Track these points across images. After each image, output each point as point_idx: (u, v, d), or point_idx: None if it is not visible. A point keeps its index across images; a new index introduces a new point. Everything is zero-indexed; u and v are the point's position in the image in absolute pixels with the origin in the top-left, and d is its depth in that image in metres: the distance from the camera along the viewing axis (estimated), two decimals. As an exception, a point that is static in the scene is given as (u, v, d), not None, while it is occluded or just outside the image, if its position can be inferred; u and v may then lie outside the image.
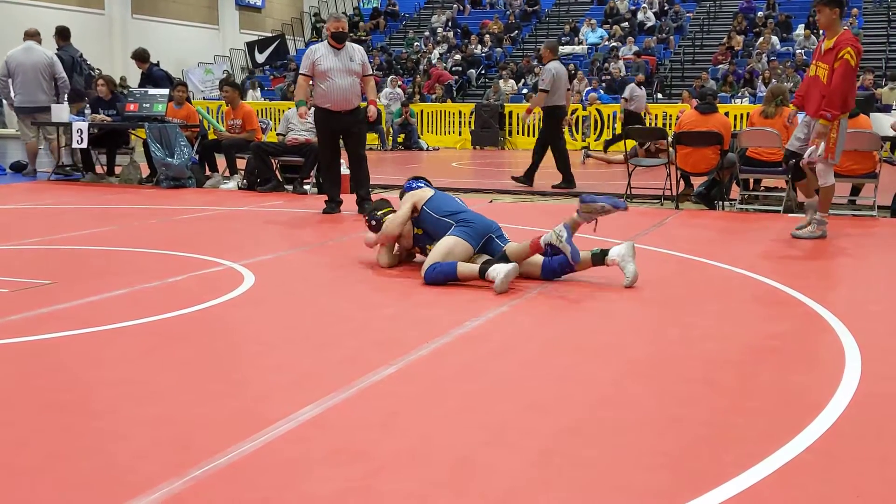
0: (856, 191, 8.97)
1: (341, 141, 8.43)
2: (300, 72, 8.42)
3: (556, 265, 5.21)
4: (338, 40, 8.18)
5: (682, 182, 9.63)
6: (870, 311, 4.62)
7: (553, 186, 10.68)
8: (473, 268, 5.07)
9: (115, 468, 2.54)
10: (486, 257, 5.25)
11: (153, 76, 12.40)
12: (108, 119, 11.16)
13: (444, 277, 5.10)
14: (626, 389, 3.33)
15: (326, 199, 8.41)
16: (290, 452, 2.66)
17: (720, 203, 9.02)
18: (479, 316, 4.37)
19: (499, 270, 4.92)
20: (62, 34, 12.60)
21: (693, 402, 3.18)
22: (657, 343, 3.99)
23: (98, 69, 13.37)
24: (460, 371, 3.52)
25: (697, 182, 9.49)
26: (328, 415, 2.99)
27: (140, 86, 12.19)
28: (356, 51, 8.30)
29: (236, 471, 2.52)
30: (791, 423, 2.93)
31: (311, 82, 8.35)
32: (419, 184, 5.71)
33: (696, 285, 5.28)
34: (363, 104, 8.41)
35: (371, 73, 8.51)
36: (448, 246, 5.21)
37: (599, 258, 5.17)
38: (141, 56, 12.34)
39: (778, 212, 8.64)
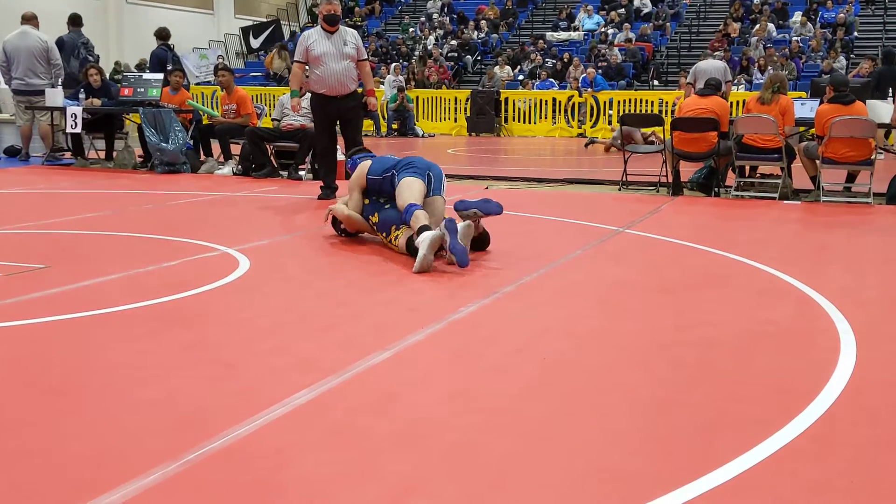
0: (851, 178, 8.98)
1: (337, 127, 8.41)
2: (294, 59, 8.38)
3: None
4: (330, 23, 8.12)
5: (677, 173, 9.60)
6: (865, 298, 4.63)
7: None
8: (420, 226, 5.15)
9: (111, 451, 2.54)
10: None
11: (152, 54, 13.00)
12: (98, 103, 11.13)
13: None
14: (620, 374, 3.33)
15: (322, 185, 8.39)
16: (286, 435, 2.66)
17: (716, 190, 9.02)
18: (474, 302, 4.37)
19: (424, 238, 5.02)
20: (73, 21, 12.92)
21: (687, 387, 3.19)
22: (651, 329, 4.00)
23: (97, 55, 13.50)
24: (455, 356, 3.53)
25: (692, 170, 9.49)
26: (324, 398, 2.99)
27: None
28: (349, 34, 8.25)
29: (232, 454, 2.53)
30: (785, 408, 2.94)
31: (306, 69, 8.31)
32: (361, 157, 5.91)
33: (691, 271, 5.29)
34: (360, 90, 8.37)
35: (366, 57, 8.46)
36: (408, 185, 5.39)
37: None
38: (158, 34, 13.17)
39: (774, 198, 8.64)
